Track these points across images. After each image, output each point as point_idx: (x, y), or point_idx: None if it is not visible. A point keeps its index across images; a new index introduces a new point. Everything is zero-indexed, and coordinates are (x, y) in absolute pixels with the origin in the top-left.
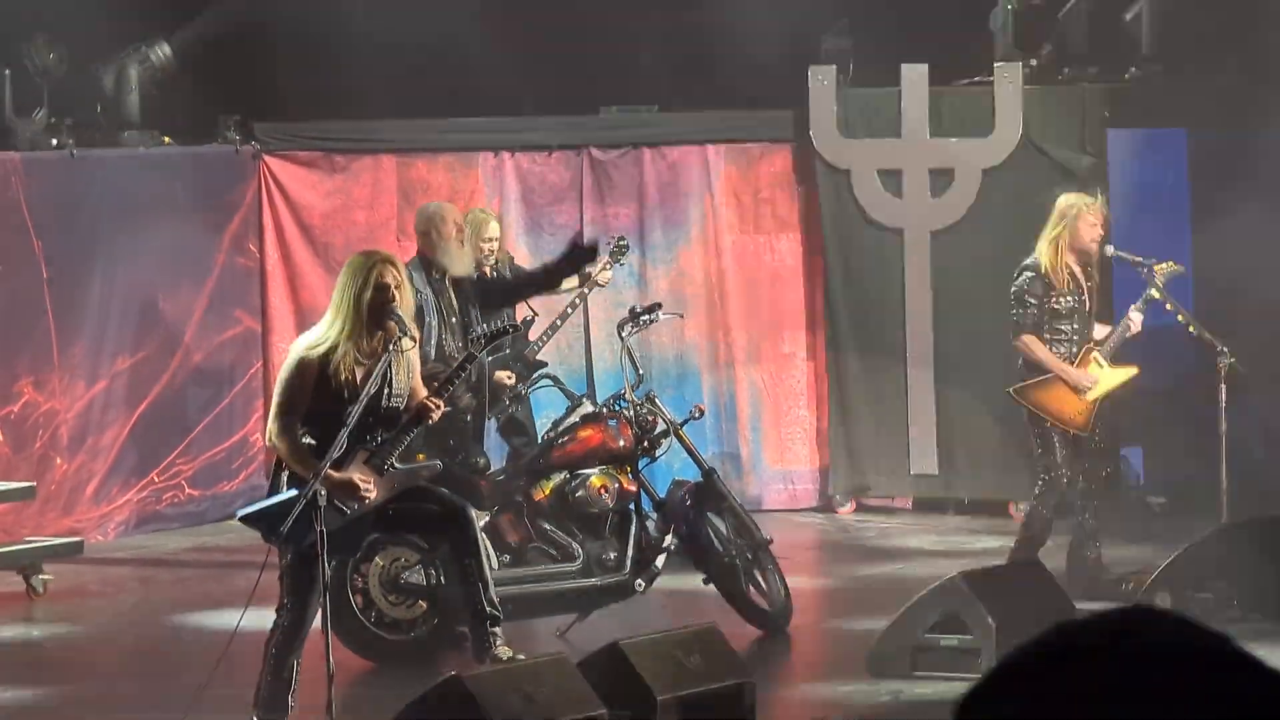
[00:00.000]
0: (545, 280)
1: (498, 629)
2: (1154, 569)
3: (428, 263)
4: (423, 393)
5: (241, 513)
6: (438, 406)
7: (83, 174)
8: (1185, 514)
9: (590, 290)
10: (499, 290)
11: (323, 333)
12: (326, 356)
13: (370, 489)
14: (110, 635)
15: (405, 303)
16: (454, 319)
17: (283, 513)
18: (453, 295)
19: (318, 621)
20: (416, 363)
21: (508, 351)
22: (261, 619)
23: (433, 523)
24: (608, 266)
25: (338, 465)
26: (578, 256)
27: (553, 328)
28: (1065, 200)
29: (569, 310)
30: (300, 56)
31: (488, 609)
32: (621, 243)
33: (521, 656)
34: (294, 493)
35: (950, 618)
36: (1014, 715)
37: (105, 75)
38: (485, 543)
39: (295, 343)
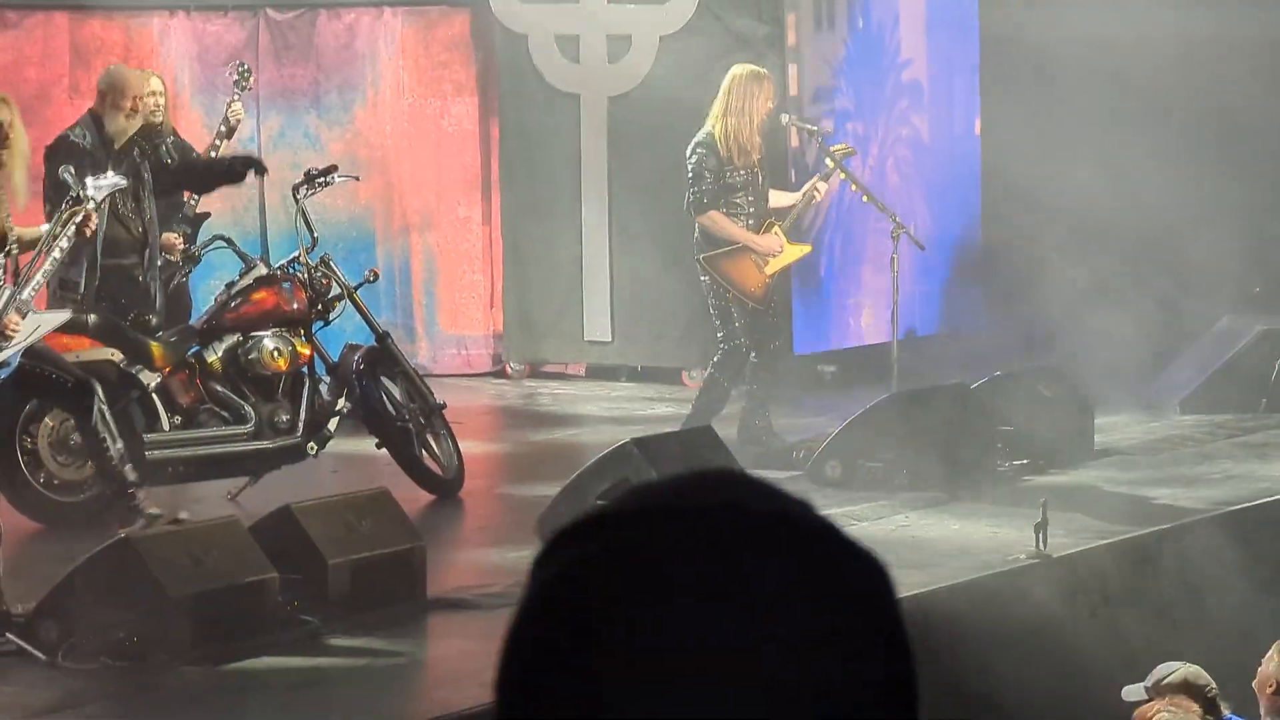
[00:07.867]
0: (202, 181)
1: (136, 491)
2: (824, 438)
3: (100, 124)
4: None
5: None
6: (94, 213)
7: None
8: (856, 383)
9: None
10: (169, 174)
11: None
12: None
13: (18, 328)
14: None
15: (18, 144)
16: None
17: None
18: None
19: None
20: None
21: (180, 213)
22: None
23: (62, 394)
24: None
25: None
26: (239, 166)
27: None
28: (736, 71)
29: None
30: None
31: (126, 475)
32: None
33: (184, 515)
34: None
35: (622, 484)
36: (582, 565)
37: None
38: (158, 403)
39: None
